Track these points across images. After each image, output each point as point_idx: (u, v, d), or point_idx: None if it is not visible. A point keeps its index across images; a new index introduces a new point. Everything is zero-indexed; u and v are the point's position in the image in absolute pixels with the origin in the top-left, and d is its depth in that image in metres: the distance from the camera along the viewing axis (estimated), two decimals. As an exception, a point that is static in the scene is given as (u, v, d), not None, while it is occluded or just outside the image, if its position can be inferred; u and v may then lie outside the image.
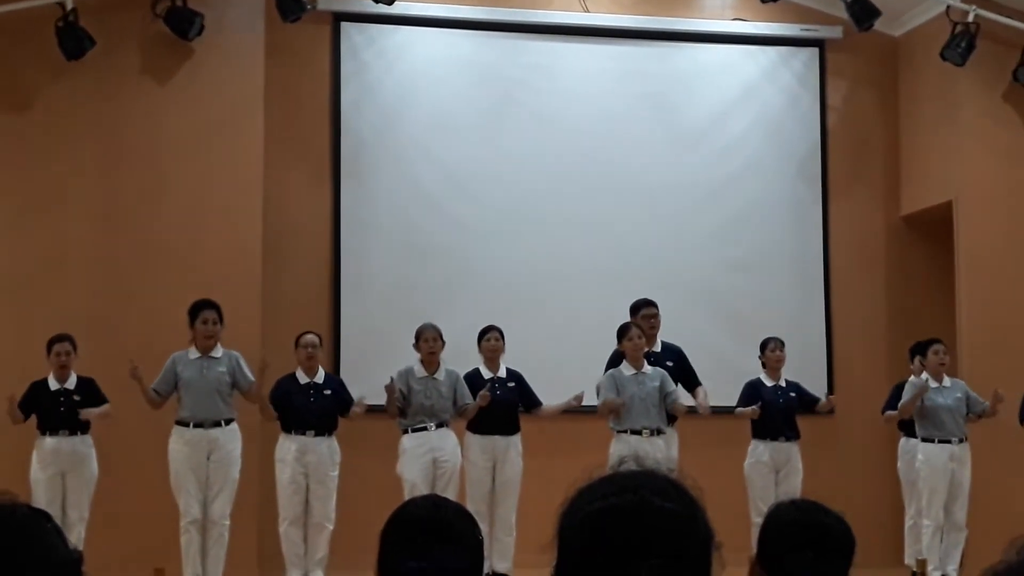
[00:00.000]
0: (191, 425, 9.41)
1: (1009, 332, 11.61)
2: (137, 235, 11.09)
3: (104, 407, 9.67)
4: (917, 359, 10.71)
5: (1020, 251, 12.06)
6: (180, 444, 9.39)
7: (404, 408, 9.97)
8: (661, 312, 10.63)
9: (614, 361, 10.24)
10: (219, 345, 9.62)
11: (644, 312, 10.53)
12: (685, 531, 1.69)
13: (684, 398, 10.33)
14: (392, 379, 9.92)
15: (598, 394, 10.11)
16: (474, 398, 10.03)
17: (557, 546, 1.74)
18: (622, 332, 10.15)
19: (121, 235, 11.09)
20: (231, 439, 9.48)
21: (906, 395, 10.33)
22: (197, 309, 9.60)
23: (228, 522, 9.45)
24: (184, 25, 11.10)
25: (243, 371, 9.64)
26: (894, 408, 10.58)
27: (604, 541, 1.67)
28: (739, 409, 10.46)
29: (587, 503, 1.71)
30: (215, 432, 9.42)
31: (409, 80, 12.29)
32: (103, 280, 11.01)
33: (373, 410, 10.16)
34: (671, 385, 10.12)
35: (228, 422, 9.50)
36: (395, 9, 11.76)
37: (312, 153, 12.07)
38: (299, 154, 12.03)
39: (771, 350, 10.64)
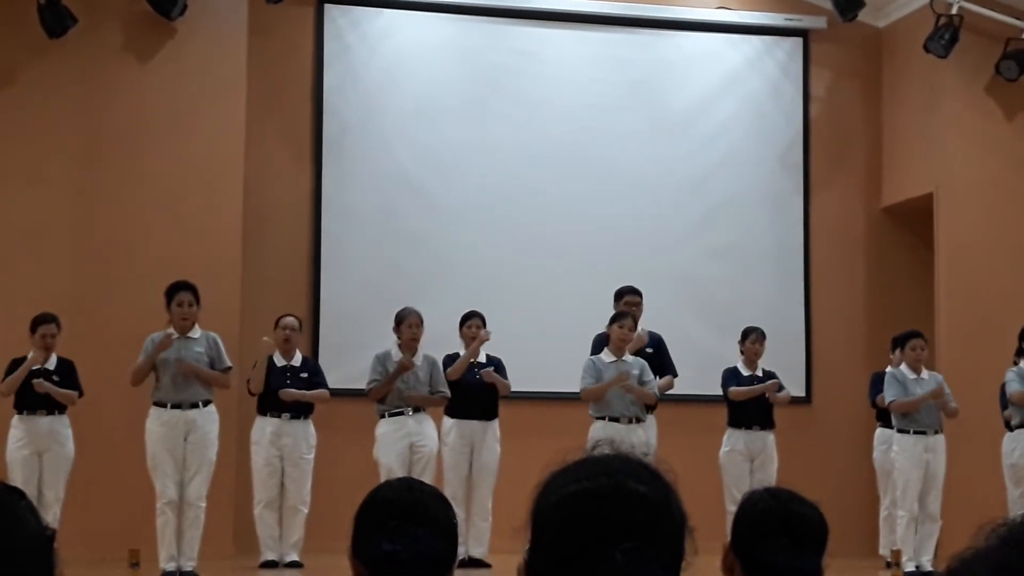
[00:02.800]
0: (168, 406, 9.35)
1: (988, 323, 11.65)
2: (117, 214, 11.05)
3: (68, 392, 9.60)
4: (897, 351, 10.74)
5: (999, 243, 12.11)
6: (157, 425, 9.34)
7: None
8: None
9: (598, 346, 10.26)
10: (197, 326, 9.57)
11: (627, 299, 10.55)
12: (659, 515, 1.68)
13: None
14: (410, 359, 9.90)
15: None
16: (456, 386, 10.04)
17: (531, 529, 1.74)
18: (615, 318, 10.15)
19: (101, 214, 11.04)
20: (208, 420, 9.44)
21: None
22: (173, 291, 9.52)
23: (204, 504, 9.42)
24: (167, 5, 11.06)
25: (221, 354, 9.59)
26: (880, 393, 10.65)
27: (578, 524, 1.66)
28: (743, 389, 10.44)
29: (561, 486, 1.70)
30: (192, 413, 9.38)
31: (393, 64, 12.26)
32: (83, 259, 10.97)
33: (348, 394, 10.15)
34: (649, 375, 10.14)
35: (206, 403, 9.45)
36: (379, -8, 11.73)
37: (294, 135, 12.04)
38: (281, 136, 12.00)
39: (751, 342, 10.64)
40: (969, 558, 1.11)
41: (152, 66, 11.27)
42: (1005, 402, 10.43)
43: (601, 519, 1.65)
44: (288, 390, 9.89)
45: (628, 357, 10.09)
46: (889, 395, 10.32)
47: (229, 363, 9.63)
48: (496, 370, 10.34)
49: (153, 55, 11.29)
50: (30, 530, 1.67)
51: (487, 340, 10.07)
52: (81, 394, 9.66)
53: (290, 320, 10.15)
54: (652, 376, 10.17)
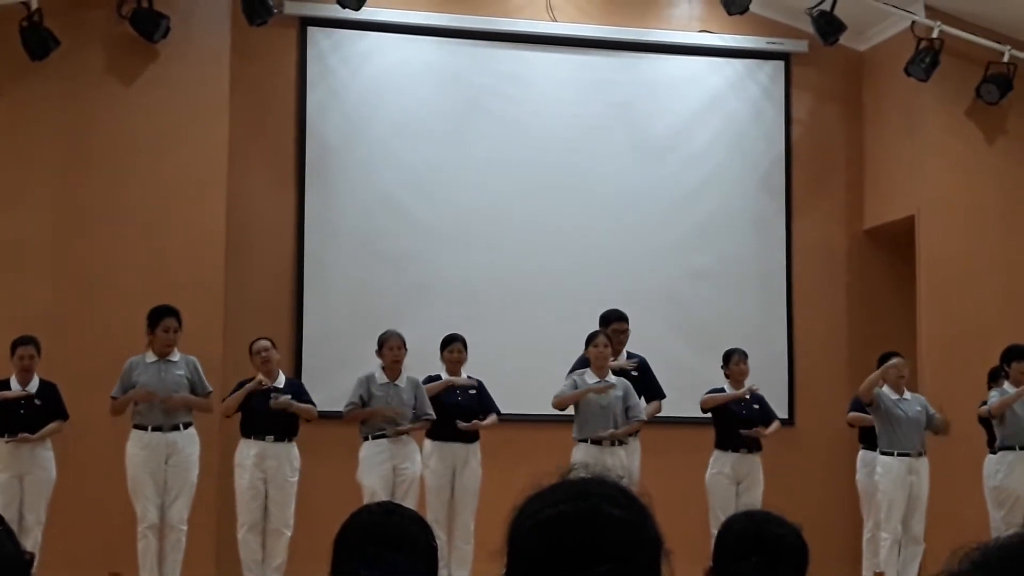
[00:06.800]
0: (149, 429, 9.34)
1: (969, 345, 11.68)
2: (99, 236, 11.03)
3: (54, 425, 9.57)
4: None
5: (981, 266, 12.15)
6: (138, 448, 9.32)
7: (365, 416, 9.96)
8: (625, 321, 10.67)
9: (579, 367, 10.25)
10: (176, 350, 9.57)
11: (615, 326, 10.51)
12: (635, 538, 1.69)
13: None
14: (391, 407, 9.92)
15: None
16: (437, 408, 10.02)
17: (507, 553, 1.74)
18: (590, 339, 10.15)
19: (83, 235, 11.02)
20: (189, 443, 9.43)
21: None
22: (159, 316, 9.52)
23: (185, 527, 9.40)
24: (150, 27, 11.05)
25: (201, 378, 9.59)
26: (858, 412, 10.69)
27: (554, 548, 1.67)
28: (723, 395, 10.45)
29: (537, 510, 1.71)
30: (173, 436, 9.37)
31: (375, 86, 12.27)
32: (64, 280, 10.94)
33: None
34: (634, 398, 10.13)
35: (187, 426, 9.45)
36: (362, 15, 11.74)
37: (277, 157, 12.03)
38: (264, 158, 12.00)
39: (735, 363, 10.63)
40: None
41: (135, 88, 11.27)
42: (987, 422, 10.47)
43: (577, 542, 1.65)
44: (280, 399, 9.79)
45: (611, 377, 10.09)
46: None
47: (209, 387, 9.63)
48: (478, 392, 10.32)
49: (136, 77, 11.28)
50: (6, 554, 1.66)
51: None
52: (66, 418, 9.63)
53: (263, 343, 10.06)
54: (637, 399, 10.17)
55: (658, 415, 10.61)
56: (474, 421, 10.12)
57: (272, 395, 9.70)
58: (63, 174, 11.07)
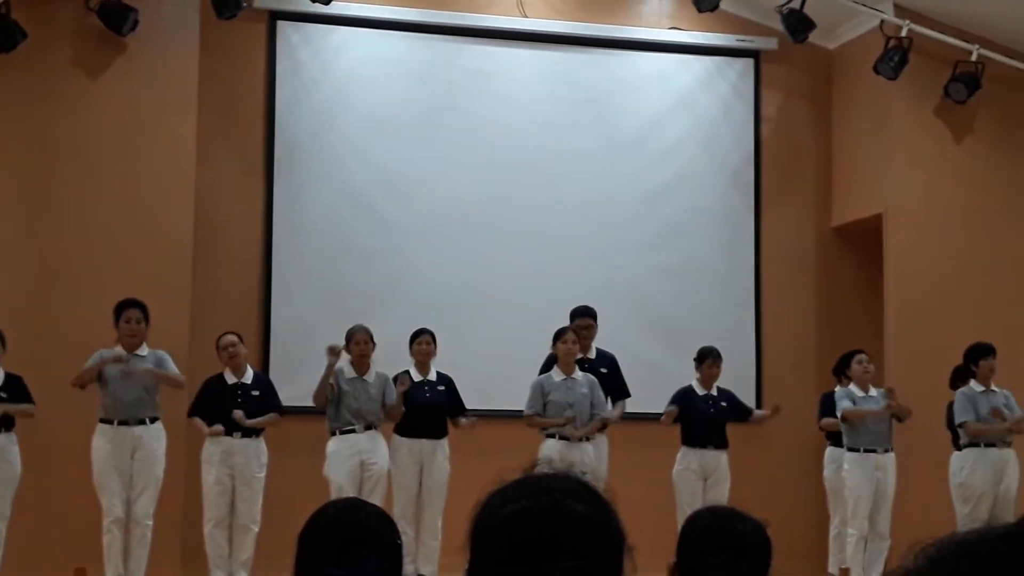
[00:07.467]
0: (115, 423, 9.31)
1: (935, 343, 11.73)
2: (66, 230, 10.96)
3: (26, 406, 9.48)
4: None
5: (948, 263, 12.22)
6: (103, 442, 9.29)
7: (335, 400, 9.94)
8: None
9: (548, 365, 10.26)
10: (145, 344, 9.54)
11: (579, 321, 10.53)
12: (597, 534, 1.68)
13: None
14: (337, 346, 9.90)
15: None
16: (406, 403, 10.03)
17: (470, 549, 1.73)
18: (558, 335, 10.17)
19: (50, 229, 10.95)
20: (155, 437, 9.40)
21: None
22: (121, 308, 9.52)
23: (151, 522, 9.36)
24: (118, 20, 10.99)
25: (170, 368, 9.56)
26: (830, 416, 10.71)
27: (517, 544, 1.66)
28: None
29: (499, 506, 1.70)
30: (139, 430, 9.33)
31: (345, 81, 12.24)
32: (30, 274, 10.86)
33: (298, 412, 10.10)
34: (600, 395, 10.16)
35: (153, 420, 9.41)
36: (332, 9, 11.71)
37: (246, 152, 11.99)
38: (232, 153, 11.95)
39: (708, 366, 10.60)
40: (899, 576, 1.12)
41: (103, 81, 11.20)
42: (951, 421, 10.53)
43: (539, 538, 1.65)
44: (239, 413, 9.77)
45: (578, 374, 10.11)
46: (841, 408, 10.40)
47: (180, 376, 9.63)
48: (447, 388, 10.33)
49: (104, 70, 11.21)
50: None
51: (404, 391, 10.08)
52: (33, 403, 9.54)
53: (230, 337, 10.05)
54: (602, 396, 10.19)
55: (626, 412, 10.64)
56: (462, 419, 10.21)
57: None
58: (30, 167, 10.99)
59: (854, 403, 10.33)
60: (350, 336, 10.09)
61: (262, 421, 9.88)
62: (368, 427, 9.92)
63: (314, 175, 12.05)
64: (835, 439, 10.93)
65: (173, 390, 9.77)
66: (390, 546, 2.59)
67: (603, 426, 10.20)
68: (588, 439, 9.98)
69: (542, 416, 10.04)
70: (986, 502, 10.21)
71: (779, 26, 12.18)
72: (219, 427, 9.74)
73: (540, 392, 10.05)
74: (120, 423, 9.31)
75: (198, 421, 9.87)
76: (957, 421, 10.31)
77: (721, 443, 10.51)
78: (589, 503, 1.70)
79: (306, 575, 2.58)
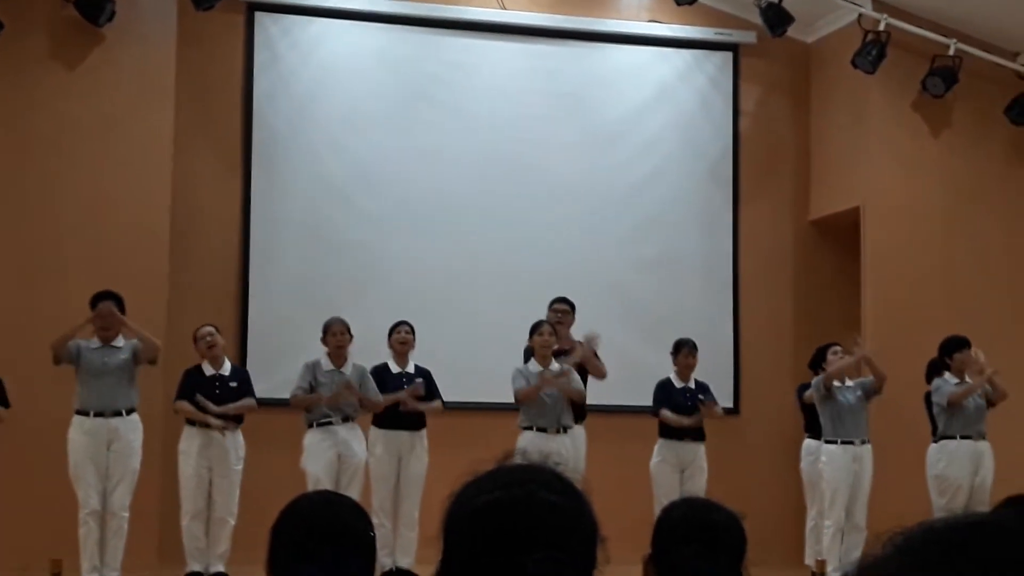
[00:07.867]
0: (91, 414, 9.28)
1: (912, 336, 11.77)
2: (42, 222, 10.90)
3: None
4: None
5: (925, 257, 12.26)
6: (79, 434, 9.26)
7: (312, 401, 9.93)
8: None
9: (525, 358, 10.27)
10: (120, 335, 9.52)
11: (554, 307, 10.57)
12: (570, 524, 1.69)
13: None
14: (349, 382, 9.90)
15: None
16: (381, 392, 10.02)
17: (443, 540, 1.73)
18: (534, 328, 10.18)
19: (25, 221, 10.89)
20: (132, 429, 9.38)
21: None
22: (95, 300, 9.50)
23: (127, 513, 9.34)
24: (95, 11, 10.94)
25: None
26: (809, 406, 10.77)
27: (489, 534, 1.66)
28: (674, 417, 10.47)
29: (472, 497, 1.70)
30: (115, 422, 9.31)
31: (323, 73, 12.21)
32: (6, 266, 10.81)
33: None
34: (577, 378, 10.17)
35: (129, 411, 9.39)
36: (310, 0, 11.67)
37: (223, 144, 11.95)
38: (210, 144, 11.91)
39: (684, 356, 10.68)
40: (865, 566, 1.12)
41: (80, 72, 11.15)
42: (931, 411, 10.56)
43: (512, 529, 1.65)
44: (209, 405, 9.75)
45: (554, 366, 10.11)
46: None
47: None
48: (425, 380, 10.32)
49: (81, 61, 11.16)
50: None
51: (412, 399, 10.11)
52: (8, 406, 9.52)
53: (208, 329, 10.04)
54: (579, 378, 10.21)
55: (600, 402, 10.66)
56: (412, 398, 10.09)
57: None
58: (6, 159, 10.93)
59: (834, 396, 10.34)
60: (327, 328, 10.08)
61: (237, 407, 9.84)
62: (345, 419, 9.91)
63: (292, 167, 12.02)
64: (812, 431, 10.95)
65: (151, 381, 9.74)
66: (363, 539, 2.58)
67: (582, 416, 10.20)
68: (566, 430, 9.96)
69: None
70: (962, 494, 10.26)
71: (758, 20, 12.21)
72: (219, 422, 9.72)
73: (523, 374, 10.03)
74: (96, 414, 9.29)
75: (187, 405, 9.80)
76: (937, 401, 10.35)
77: (698, 435, 10.55)
78: (562, 494, 1.70)
79: (279, 568, 2.57)
